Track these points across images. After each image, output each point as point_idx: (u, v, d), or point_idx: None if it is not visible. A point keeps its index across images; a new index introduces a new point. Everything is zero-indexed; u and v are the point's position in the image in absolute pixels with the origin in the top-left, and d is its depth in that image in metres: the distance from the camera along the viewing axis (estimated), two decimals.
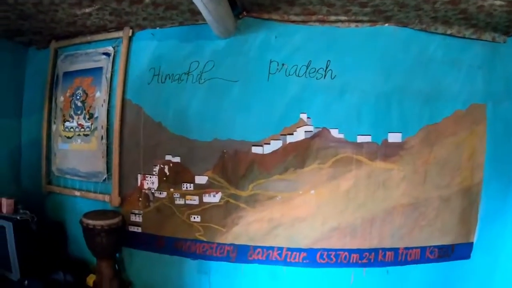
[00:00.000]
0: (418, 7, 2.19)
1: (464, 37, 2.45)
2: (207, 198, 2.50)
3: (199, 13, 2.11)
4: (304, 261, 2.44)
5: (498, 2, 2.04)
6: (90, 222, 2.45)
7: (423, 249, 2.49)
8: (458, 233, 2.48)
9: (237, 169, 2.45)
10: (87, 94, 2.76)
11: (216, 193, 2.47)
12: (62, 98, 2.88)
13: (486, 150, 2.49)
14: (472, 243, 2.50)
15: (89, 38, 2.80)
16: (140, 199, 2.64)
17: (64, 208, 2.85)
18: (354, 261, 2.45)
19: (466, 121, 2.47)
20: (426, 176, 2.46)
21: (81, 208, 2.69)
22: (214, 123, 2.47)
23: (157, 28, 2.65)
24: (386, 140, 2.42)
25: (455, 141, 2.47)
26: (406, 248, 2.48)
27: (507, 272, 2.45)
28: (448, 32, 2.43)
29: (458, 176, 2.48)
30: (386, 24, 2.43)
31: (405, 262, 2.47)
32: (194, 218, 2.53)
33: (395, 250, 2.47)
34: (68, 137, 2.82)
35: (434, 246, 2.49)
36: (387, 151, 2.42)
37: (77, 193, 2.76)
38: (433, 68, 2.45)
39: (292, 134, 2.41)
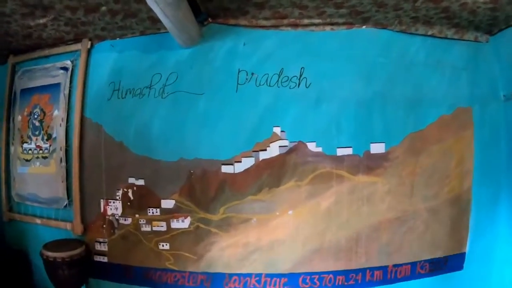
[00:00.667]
0: (397, 6, 1.82)
1: (446, 38, 2.10)
2: (175, 224, 2.06)
3: (160, 21, 1.72)
4: (285, 287, 2.02)
5: None
6: (50, 254, 2.01)
7: (413, 264, 2.12)
8: (449, 245, 2.12)
9: (206, 191, 2.02)
10: (44, 113, 2.27)
11: (185, 218, 2.05)
12: (19, 118, 2.38)
13: (474, 156, 2.13)
14: (465, 253, 2.14)
15: (47, 51, 2.34)
16: (104, 226, 2.19)
17: (26, 236, 2.40)
18: (340, 283, 2.05)
19: (452, 127, 2.11)
20: (413, 188, 2.08)
21: (43, 236, 2.24)
22: (179, 141, 2.04)
23: (117, 38, 2.21)
24: (369, 151, 2.03)
25: (441, 148, 2.10)
26: (395, 265, 2.09)
27: (501, 280, 2.12)
28: (429, 32, 2.07)
29: (446, 185, 2.11)
30: (364, 27, 2.05)
31: (395, 280, 2.09)
32: (163, 245, 2.10)
33: (383, 268, 2.08)
34: (27, 160, 2.31)
35: (425, 261, 2.12)
36: (370, 164, 2.03)
37: (38, 221, 2.28)
38: (415, 71, 2.08)
39: (265, 150, 2.00)
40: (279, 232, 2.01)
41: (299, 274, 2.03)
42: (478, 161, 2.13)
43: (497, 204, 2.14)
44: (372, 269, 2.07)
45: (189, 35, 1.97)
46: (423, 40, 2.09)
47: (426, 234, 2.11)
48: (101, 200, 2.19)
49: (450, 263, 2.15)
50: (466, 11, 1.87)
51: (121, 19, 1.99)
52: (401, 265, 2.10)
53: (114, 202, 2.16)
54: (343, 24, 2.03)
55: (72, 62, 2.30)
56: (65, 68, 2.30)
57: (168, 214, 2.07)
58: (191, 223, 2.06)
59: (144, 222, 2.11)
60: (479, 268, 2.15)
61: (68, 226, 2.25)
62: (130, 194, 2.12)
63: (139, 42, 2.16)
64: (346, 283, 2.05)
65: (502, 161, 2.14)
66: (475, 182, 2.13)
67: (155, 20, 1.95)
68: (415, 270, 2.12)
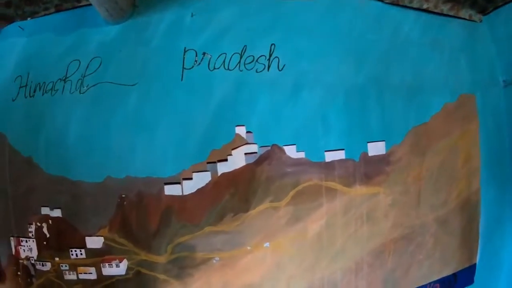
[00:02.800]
0: None
1: (441, 14, 1.34)
2: (107, 270, 1.11)
3: None
4: None
5: None
6: None
7: None
8: (460, 258, 1.36)
9: (145, 222, 1.08)
10: None
11: (120, 261, 1.10)
12: None
13: (480, 151, 1.36)
14: (475, 264, 1.40)
15: None
16: (19, 273, 1.20)
17: None
18: None
19: (457, 117, 1.34)
20: (420, 196, 1.26)
21: None
22: (105, 153, 1.09)
23: (28, 18, 1.22)
24: (366, 153, 1.18)
25: (448, 144, 1.31)
26: None
27: None
28: (424, 6, 1.29)
29: (455, 188, 1.33)
30: None
31: None
32: None
33: None
34: None
35: (435, 281, 1.34)
36: (369, 170, 1.18)
37: None
38: (412, 52, 1.28)
39: (226, 160, 1.07)
40: (253, 273, 1.10)
41: None
42: (485, 157, 1.37)
43: (504, 202, 1.41)
44: None
45: (117, 6, 1.06)
46: (417, 16, 1.30)
47: (435, 250, 1.32)
48: (11, 238, 1.21)
49: (460, 278, 1.39)
50: None
51: None
52: None
53: (27, 241, 1.18)
54: None
55: None
56: None
57: (97, 257, 1.12)
58: (129, 268, 1.10)
59: (67, 267, 1.15)
60: (489, 279, 1.41)
61: None
62: (45, 229, 1.15)
63: (53, 21, 1.20)
64: None
65: (505, 154, 1.40)
66: (483, 182, 1.37)
67: None
68: None
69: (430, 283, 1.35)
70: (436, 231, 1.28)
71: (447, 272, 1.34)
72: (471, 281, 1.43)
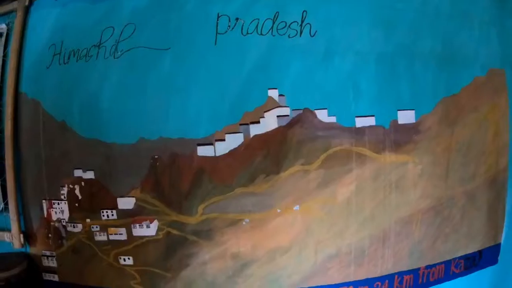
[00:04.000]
0: None
1: None
2: (138, 230, 1.14)
3: None
4: None
5: None
6: None
7: (447, 263, 1.32)
8: (485, 236, 1.35)
9: (177, 183, 1.11)
10: None
11: (151, 222, 1.13)
12: None
13: (510, 127, 1.33)
14: (500, 244, 1.38)
15: None
16: (50, 235, 1.26)
17: None
18: None
19: (487, 91, 1.32)
20: (449, 168, 1.25)
21: None
22: (138, 115, 1.13)
23: None
24: (396, 121, 1.18)
25: (477, 118, 1.30)
26: (428, 267, 1.28)
27: None
28: None
29: (483, 163, 1.32)
30: None
31: (427, 284, 1.28)
32: (125, 260, 1.18)
33: (414, 272, 1.26)
34: None
35: (460, 257, 1.33)
36: (398, 137, 1.17)
37: None
38: (442, 22, 1.27)
39: (258, 122, 1.09)
40: (282, 236, 1.12)
41: None
42: None
43: None
44: (401, 274, 1.24)
45: None
46: None
47: (462, 225, 1.30)
48: (44, 201, 1.25)
49: (484, 257, 1.38)
50: None
51: None
52: (434, 265, 1.29)
53: (59, 203, 1.23)
54: None
55: (7, 25, 1.36)
56: None
57: (128, 218, 1.16)
58: (159, 229, 1.14)
59: (98, 229, 1.18)
60: None
61: (7, 236, 1.29)
62: (77, 191, 1.20)
63: None
64: None
65: None
66: (511, 158, 1.34)
67: None
68: (449, 270, 1.32)
69: (455, 259, 1.34)
70: (463, 205, 1.28)
71: (472, 248, 1.33)
72: (495, 261, 1.42)
